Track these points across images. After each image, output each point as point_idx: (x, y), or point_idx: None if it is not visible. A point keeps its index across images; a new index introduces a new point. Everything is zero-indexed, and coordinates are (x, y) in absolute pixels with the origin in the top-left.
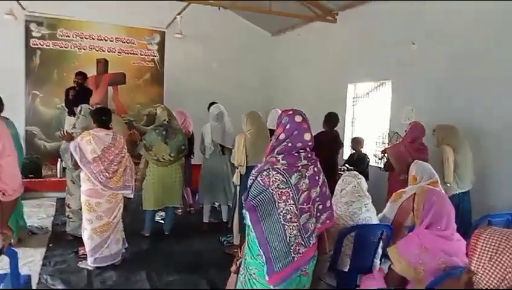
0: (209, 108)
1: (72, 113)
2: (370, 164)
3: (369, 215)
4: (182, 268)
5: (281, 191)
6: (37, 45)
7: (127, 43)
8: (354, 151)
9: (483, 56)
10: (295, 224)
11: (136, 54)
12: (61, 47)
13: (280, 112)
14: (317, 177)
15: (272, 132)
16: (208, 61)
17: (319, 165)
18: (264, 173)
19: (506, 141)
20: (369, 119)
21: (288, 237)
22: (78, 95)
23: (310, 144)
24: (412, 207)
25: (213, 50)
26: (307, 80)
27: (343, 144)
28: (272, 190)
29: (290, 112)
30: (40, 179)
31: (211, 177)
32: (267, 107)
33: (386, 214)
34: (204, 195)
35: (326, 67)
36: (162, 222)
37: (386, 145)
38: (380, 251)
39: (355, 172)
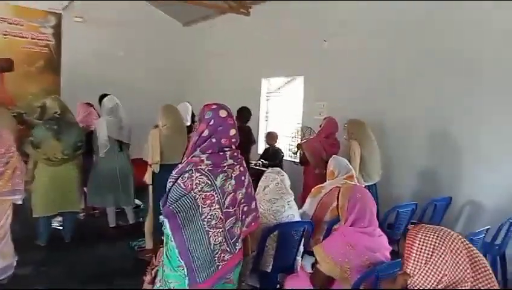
0: (100, 101)
1: None
2: (284, 158)
3: (292, 213)
4: (87, 279)
5: (205, 195)
6: None
7: (15, 24)
8: (269, 145)
9: (392, 52)
10: (220, 230)
11: (26, 38)
12: None
13: (189, 105)
14: (243, 178)
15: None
16: (114, 50)
17: (244, 165)
18: (186, 174)
19: (409, 133)
20: (283, 114)
21: (212, 245)
22: None
23: (234, 140)
24: (331, 202)
25: (120, 38)
26: (221, 73)
27: (255, 139)
28: (195, 193)
29: (214, 107)
30: None
31: (108, 177)
32: (179, 100)
33: (306, 211)
34: (97, 197)
35: (240, 61)
36: (61, 228)
37: (300, 140)
38: (301, 248)
39: (278, 168)
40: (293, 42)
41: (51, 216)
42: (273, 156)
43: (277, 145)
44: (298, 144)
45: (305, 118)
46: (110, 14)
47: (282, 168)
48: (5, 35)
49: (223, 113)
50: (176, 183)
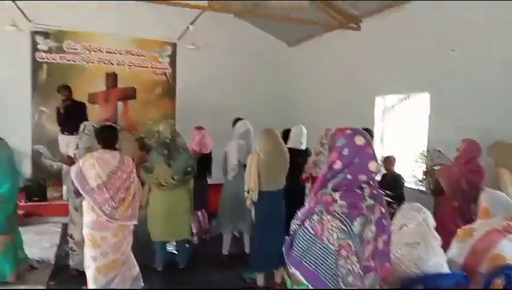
0: (234, 124)
1: (64, 130)
2: (406, 185)
3: (439, 261)
4: None
5: (340, 244)
6: (43, 58)
7: (137, 55)
8: (386, 171)
9: None
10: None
11: (147, 67)
12: (69, 60)
13: (304, 128)
14: (384, 221)
15: (294, 151)
16: (220, 74)
17: (385, 204)
18: (315, 217)
19: None
20: (402, 135)
21: None
22: (69, 109)
23: (374, 175)
24: (488, 249)
25: (227, 62)
26: (328, 93)
27: None
28: (328, 241)
29: (348, 132)
30: (44, 203)
31: (233, 202)
32: (284, 123)
33: (454, 258)
34: (225, 223)
35: (350, 79)
36: (176, 252)
37: (426, 165)
38: None
39: (418, 204)
40: (412, 55)
41: (165, 241)
42: (392, 184)
43: (396, 170)
44: (426, 170)
45: (431, 139)
46: (217, 39)
47: (403, 197)
48: (130, 66)
49: (359, 141)
50: (302, 227)
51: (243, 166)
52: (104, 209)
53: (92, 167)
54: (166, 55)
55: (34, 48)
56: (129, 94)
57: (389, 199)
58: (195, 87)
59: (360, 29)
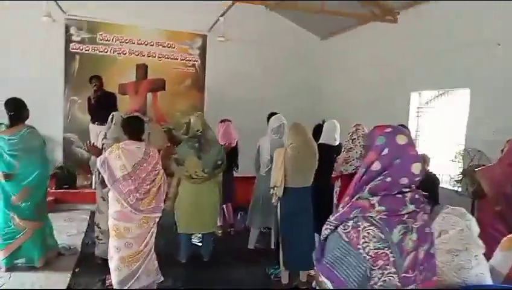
0: (268, 119)
1: (95, 120)
2: (441, 185)
3: (482, 271)
4: None
5: (377, 253)
6: (76, 49)
7: (168, 47)
8: None
9: None
10: None
11: (177, 59)
12: (101, 51)
13: (337, 124)
14: (427, 230)
15: (326, 147)
16: (251, 67)
17: (428, 209)
18: (350, 223)
19: None
20: (438, 132)
21: None
22: (100, 100)
23: (417, 179)
24: None
25: (257, 54)
26: (361, 88)
27: None
28: (363, 250)
29: (388, 130)
30: (73, 190)
31: (265, 197)
32: (315, 118)
33: (496, 267)
34: (255, 218)
35: (385, 74)
36: (200, 245)
37: (463, 165)
38: None
39: (462, 209)
40: (451, 49)
41: (191, 233)
42: (427, 184)
43: (430, 170)
44: (465, 171)
45: (470, 138)
46: (248, 31)
47: (438, 199)
48: (160, 58)
49: (401, 140)
50: (335, 233)
51: None
52: (128, 200)
53: (117, 158)
54: (196, 47)
55: (68, 39)
56: (159, 85)
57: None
58: (224, 79)
59: (396, 22)
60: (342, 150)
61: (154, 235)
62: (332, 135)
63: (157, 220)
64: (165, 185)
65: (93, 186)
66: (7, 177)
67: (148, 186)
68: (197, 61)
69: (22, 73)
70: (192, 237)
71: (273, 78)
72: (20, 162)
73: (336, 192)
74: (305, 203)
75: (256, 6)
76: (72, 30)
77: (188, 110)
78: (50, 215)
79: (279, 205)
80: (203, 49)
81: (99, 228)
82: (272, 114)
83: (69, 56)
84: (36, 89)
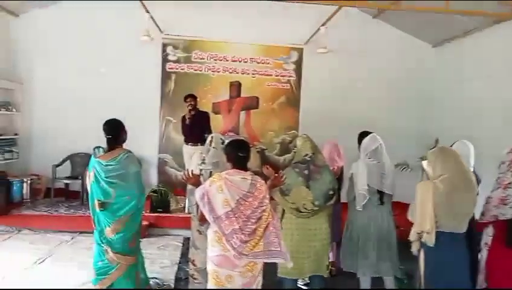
0: (360, 140)
1: (188, 141)
2: None
3: None
4: None
5: None
6: (172, 68)
7: (262, 63)
8: None
9: None
10: None
11: (271, 75)
12: (195, 70)
13: (470, 145)
14: None
15: None
16: (352, 81)
17: None
18: None
19: None
20: None
21: None
22: (193, 119)
23: None
24: None
25: (359, 67)
26: (486, 99)
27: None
28: None
29: None
30: (166, 215)
31: (364, 237)
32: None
33: None
34: (353, 261)
35: (508, 81)
36: (305, 288)
37: None
38: None
39: None
40: None
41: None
42: None
43: None
44: None
45: None
46: (350, 42)
47: None
48: (254, 75)
49: None
50: None
51: (374, 192)
52: (232, 242)
53: (219, 191)
54: (291, 62)
55: (165, 58)
56: (252, 104)
57: None
58: (322, 95)
59: None
60: (494, 187)
61: (260, 284)
62: (466, 160)
63: (262, 267)
64: (275, 222)
65: (186, 211)
66: (102, 206)
67: (254, 226)
68: (292, 76)
69: (122, 93)
70: (299, 280)
71: (377, 92)
72: (117, 191)
73: (487, 243)
74: (462, 254)
75: (358, 15)
76: (169, 50)
77: (280, 130)
78: (143, 241)
79: (421, 255)
80: (298, 64)
81: (194, 265)
82: (364, 133)
83: (165, 76)
84: (134, 109)
